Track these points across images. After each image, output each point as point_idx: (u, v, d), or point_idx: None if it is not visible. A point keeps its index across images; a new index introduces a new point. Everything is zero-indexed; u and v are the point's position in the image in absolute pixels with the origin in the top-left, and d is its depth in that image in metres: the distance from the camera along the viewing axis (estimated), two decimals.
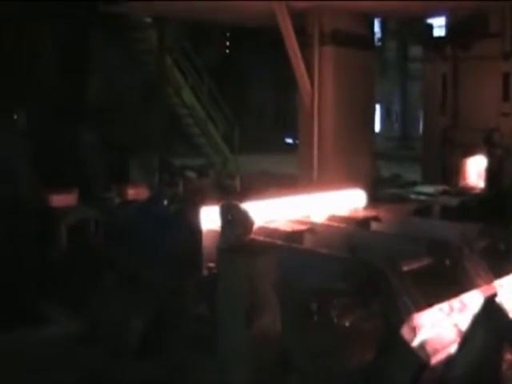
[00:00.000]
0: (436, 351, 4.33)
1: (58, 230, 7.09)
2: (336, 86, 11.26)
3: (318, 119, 11.23)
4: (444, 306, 4.55)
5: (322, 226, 6.28)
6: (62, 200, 7.41)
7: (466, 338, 4.24)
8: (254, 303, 4.12)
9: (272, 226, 6.01)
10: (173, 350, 4.92)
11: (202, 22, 15.83)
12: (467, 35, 11.98)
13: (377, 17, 14.93)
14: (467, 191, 9.50)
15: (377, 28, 21.97)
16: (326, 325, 4.36)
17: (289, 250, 5.07)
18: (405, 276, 4.54)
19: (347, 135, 11.34)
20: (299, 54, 10.81)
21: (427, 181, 11.53)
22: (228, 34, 23.81)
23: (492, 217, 7.27)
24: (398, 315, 4.26)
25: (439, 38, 13.31)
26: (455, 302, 4.65)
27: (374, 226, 6.52)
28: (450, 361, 4.26)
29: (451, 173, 10.60)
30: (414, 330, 4.20)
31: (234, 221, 4.58)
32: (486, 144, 9.27)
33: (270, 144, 21.11)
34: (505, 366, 4.33)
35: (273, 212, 6.22)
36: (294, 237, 5.81)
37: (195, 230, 5.44)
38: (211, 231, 5.28)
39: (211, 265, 5.01)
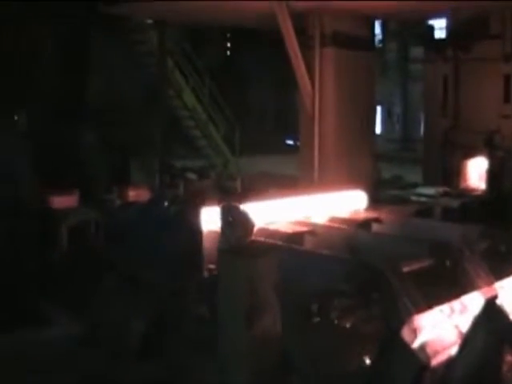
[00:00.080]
0: (436, 353, 4.32)
1: (59, 231, 7.09)
2: (337, 88, 11.26)
3: (319, 121, 11.22)
4: (445, 307, 4.54)
5: (323, 227, 6.27)
6: (62, 201, 7.42)
7: (467, 340, 4.24)
8: (255, 305, 4.12)
9: (273, 227, 5.99)
10: (173, 351, 4.92)
11: (201, 24, 15.82)
12: (468, 37, 11.98)
13: (377, 18, 14.90)
14: (468, 193, 9.50)
15: (377, 29, 21.95)
16: (326, 326, 4.36)
17: (289, 252, 5.06)
18: (405, 277, 4.54)
19: (348, 137, 11.33)
20: (300, 55, 10.80)
21: (428, 182, 11.52)
22: (229, 36, 23.82)
23: (493, 218, 7.28)
24: (398, 317, 4.26)
25: (440, 39, 13.32)
26: (456, 304, 4.64)
27: (375, 227, 6.51)
28: (450, 362, 4.25)
29: (452, 174, 10.60)
30: (414, 332, 4.20)
31: (235, 222, 4.57)
32: (487, 146, 9.28)
33: (271, 145, 21.13)
34: (505, 368, 4.32)
35: (273, 213, 6.21)
36: (294, 238, 5.80)
37: (196, 232, 5.43)
38: (212, 232, 5.27)
39: (212, 266, 5.02)
